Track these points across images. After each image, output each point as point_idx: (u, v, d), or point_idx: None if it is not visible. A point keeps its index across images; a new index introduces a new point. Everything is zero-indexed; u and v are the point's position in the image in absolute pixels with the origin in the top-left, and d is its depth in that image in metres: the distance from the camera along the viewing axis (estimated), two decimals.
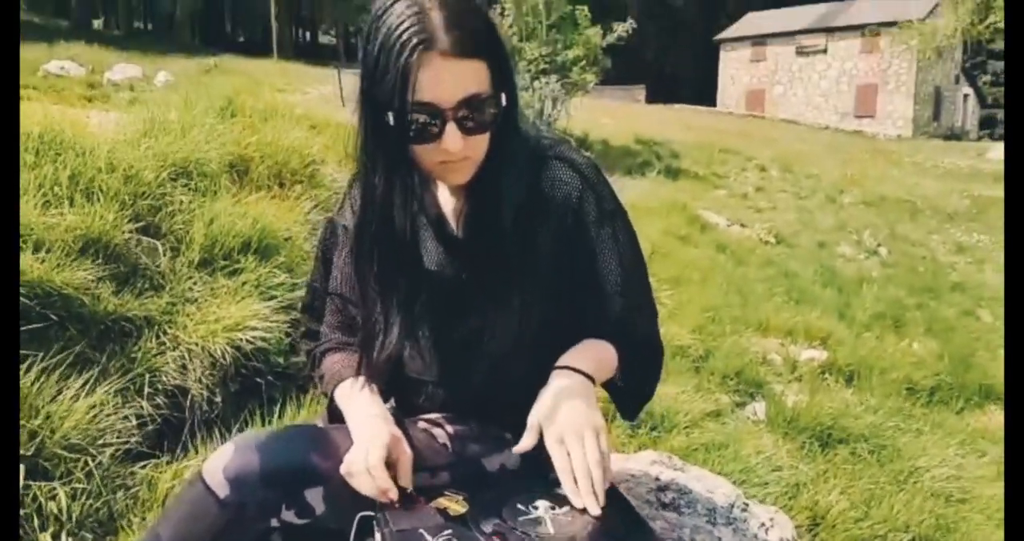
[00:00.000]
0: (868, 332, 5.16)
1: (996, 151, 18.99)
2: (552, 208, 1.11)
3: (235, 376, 2.47)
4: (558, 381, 1.06)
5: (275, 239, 2.97)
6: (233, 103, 4.18)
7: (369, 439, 1.01)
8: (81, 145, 2.98)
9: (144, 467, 1.69)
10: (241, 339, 2.44)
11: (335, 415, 1.18)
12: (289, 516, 1.02)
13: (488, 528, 0.90)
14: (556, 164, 1.11)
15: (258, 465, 0.99)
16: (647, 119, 15.46)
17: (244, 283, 2.70)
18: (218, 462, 1.00)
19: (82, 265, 2.33)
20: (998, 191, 10.79)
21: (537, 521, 0.92)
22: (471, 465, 1.12)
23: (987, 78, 33.70)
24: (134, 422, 1.95)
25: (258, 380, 2.46)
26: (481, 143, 1.00)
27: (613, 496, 1.02)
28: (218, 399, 2.38)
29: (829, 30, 33.14)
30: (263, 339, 2.50)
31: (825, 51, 33.22)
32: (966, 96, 34.45)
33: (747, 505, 1.28)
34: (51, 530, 1.35)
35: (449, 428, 1.16)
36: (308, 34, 39.36)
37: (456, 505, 0.97)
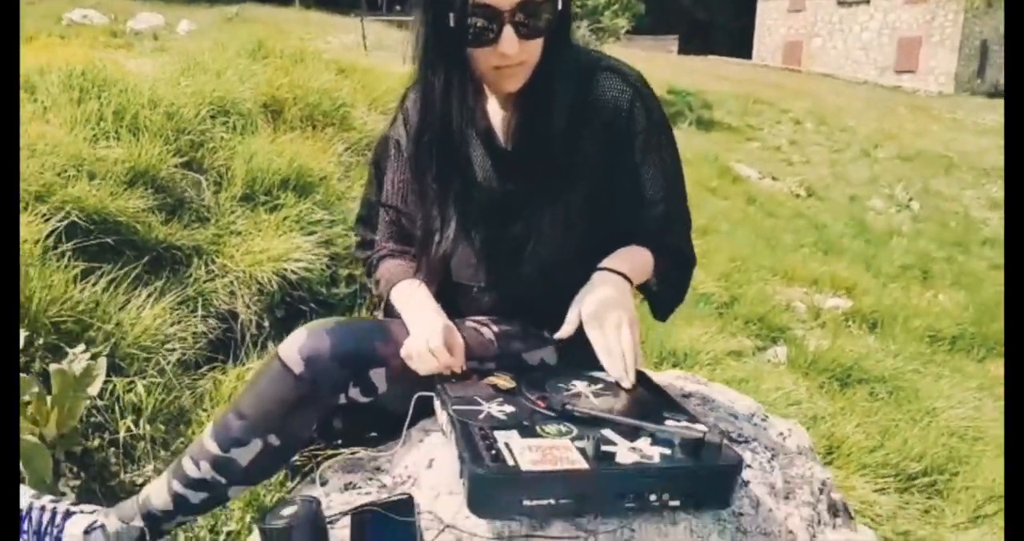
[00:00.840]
0: (894, 283, 5.19)
1: None
2: (601, 118, 1.18)
3: (280, 303, 2.61)
4: (598, 280, 1.16)
5: (312, 177, 3.09)
6: (264, 46, 4.26)
7: (429, 325, 1.12)
8: (123, 83, 3.11)
9: (209, 370, 1.84)
10: (285, 269, 2.58)
11: (391, 316, 1.30)
12: (355, 393, 1.14)
13: (534, 396, 1.01)
14: (607, 74, 1.19)
15: (329, 346, 1.11)
16: (679, 69, 15.19)
17: (285, 218, 2.82)
18: (293, 343, 1.12)
19: (132, 195, 2.47)
20: None
21: (577, 394, 1.04)
22: (514, 358, 1.23)
23: None
24: (192, 335, 2.09)
25: (302, 308, 2.60)
26: (535, 48, 1.08)
27: (645, 379, 1.14)
28: (266, 324, 2.54)
29: None
30: (306, 270, 2.63)
31: (868, 1, 32.09)
32: None
33: (767, 416, 1.38)
34: (130, 418, 1.50)
35: (495, 327, 1.27)
36: None
37: (505, 382, 1.09)
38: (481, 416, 0.96)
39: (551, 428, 0.94)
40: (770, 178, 7.87)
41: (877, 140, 10.69)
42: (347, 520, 0.93)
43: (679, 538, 0.88)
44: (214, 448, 1.14)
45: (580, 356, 1.27)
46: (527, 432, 0.92)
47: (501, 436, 0.90)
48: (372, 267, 1.36)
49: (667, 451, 0.89)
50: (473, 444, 0.88)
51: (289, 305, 2.60)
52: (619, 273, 1.17)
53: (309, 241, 2.70)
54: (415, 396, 1.14)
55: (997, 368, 4.30)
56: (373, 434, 1.30)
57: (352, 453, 1.22)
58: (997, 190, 7.75)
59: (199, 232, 2.61)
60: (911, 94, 25.21)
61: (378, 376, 1.15)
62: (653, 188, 1.23)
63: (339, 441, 1.32)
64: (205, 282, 2.43)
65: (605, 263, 1.18)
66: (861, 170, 8.71)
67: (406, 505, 0.94)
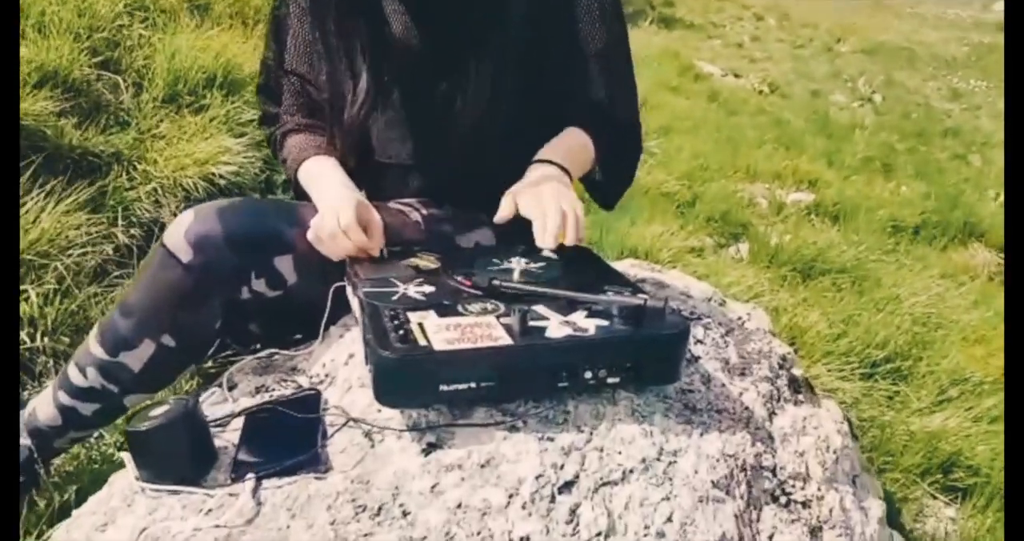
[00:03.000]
0: (857, 176, 5.12)
1: (1000, 4, 18.26)
2: None
3: None
4: (535, 170, 1.02)
5: (241, 74, 2.84)
6: None
7: (339, 201, 0.98)
8: None
9: (119, 278, 1.69)
10: (213, 174, 2.38)
11: (301, 198, 1.15)
12: (260, 286, 1.01)
13: (459, 275, 0.88)
14: None
15: (221, 229, 0.96)
16: None
17: (212, 119, 2.61)
18: (178, 228, 0.97)
19: (39, 97, 2.24)
20: (999, 38, 10.40)
21: (508, 271, 0.91)
22: (446, 241, 1.10)
23: None
24: (113, 248, 1.93)
25: None
26: None
27: (589, 256, 1.01)
28: None
29: None
30: (237, 174, 2.44)
31: None
32: None
33: (724, 301, 1.28)
34: (26, 330, 1.35)
35: (423, 210, 1.13)
36: None
37: (428, 262, 0.95)
38: (395, 297, 0.83)
39: (475, 307, 0.81)
40: (732, 75, 7.66)
41: (839, 34, 10.44)
42: (240, 422, 0.81)
43: (619, 418, 0.78)
44: (100, 352, 1.00)
45: (523, 239, 1.15)
46: (447, 311, 0.80)
47: (415, 317, 0.78)
48: (277, 144, 1.20)
49: (604, 323, 0.77)
50: (380, 326, 0.75)
51: None
52: (557, 164, 1.02)
53: (239, 143, 2.49)
54: (333, 287, 1.01)
55: (959, 256, 4.30)
56: (297, 336, 1.17)
57: (265, 355, 1.09)
58: (958, 80, 7.65)
59: (118, 137, 2.39)
60: None
61: (284, 264, 1.01)
62: (592, 52, 1.08)
63: (258, 346, 1.20)
64: (127, 191, 2.24)
65: (542, 154, 1.04)
66: (823, 65, 8.51)
67: (310, 402, 0.82)
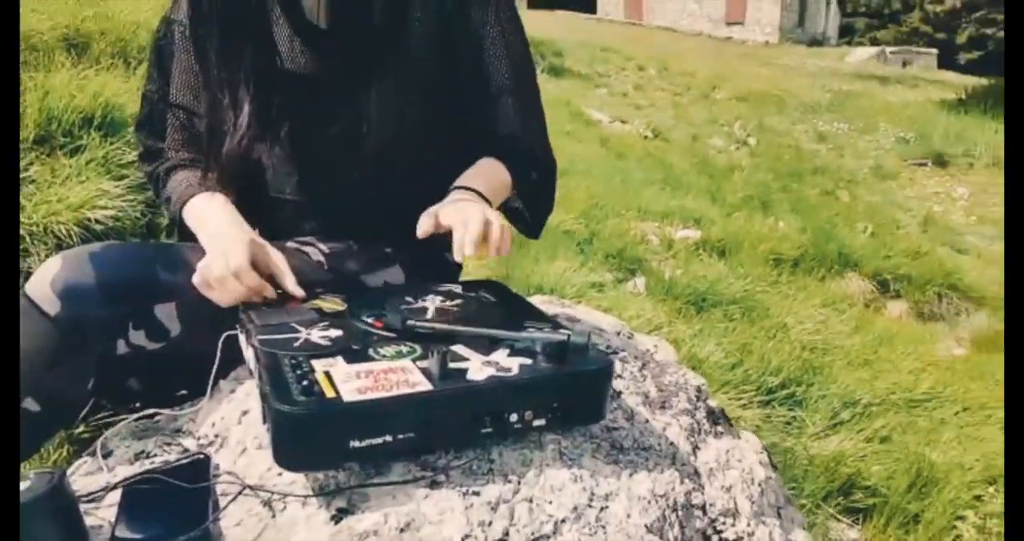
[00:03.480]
0: (738, 212, 5.38)
1: (854, 55, 20.11)
2: None
3: None
4: (454, 195, 0.97)
5: (121, 114, 2.67)
6: None
7: (230, 240, 0.89)
8: None
9: None
10: (90, 219, 2.20)
11: (186, 240, 1.05)
12: (139, 338, 0.91)
13: (369, 317, 0.82)
14: None
15: (93, 276, 0.86)
16: (530, 22, 15.08)
17: (89, 161, 2.43)
18: (43, 275, 0.86)
19: None
20: (856, 85, 11.38)
21: (422, 310, 0.85)
22: (351, 282, 1.03)
23: None
24: None
25: None
26: None
27: (505, 292, 0.97)
28: None
29: None
30: (116, 219, 2.27)
31: None
32: (828, 3, 35.63)
33: (632, 334, 1.27)
34: None
35: (323, 246, 1.06)
36: None
37: (332, 304, 0.88)
38: (296, 344, 0.76)
39: (388, 350, 0.75)
40: (619, 121, 7.95)
41: (715, 83, 11.10)
42: (117, 495, 0.71)
43: (547, 463, 0.73)
44: None
45: (435, 275, 1.09)
46: (356, 357, 0.73)
47: (320, 365, 0.71)
48: (160, 182, 1.09)
49: (528, 361, 0.73)
50: (280, 378, 0.68)
51: None
52: (476, 191, 0.98)
53: (119, 186, 2.32)
54: (223, 336, 0.92)
55: (836, 285, 4.56)
56: (182, 391, 1.06)
57: (145, 415, 0.98)
58: (823, 124, 8.26)
59: None
60: (741, 44, 26.62)
61: (166, 314, 0.91)
62: (498, 74, 1.05)
63: (137, 405, 1.08)
64: None
65: (459, 182, 1.00)
66: (701, 111, 8.98)
67: (198, 468, 0.73)
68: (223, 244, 0.89)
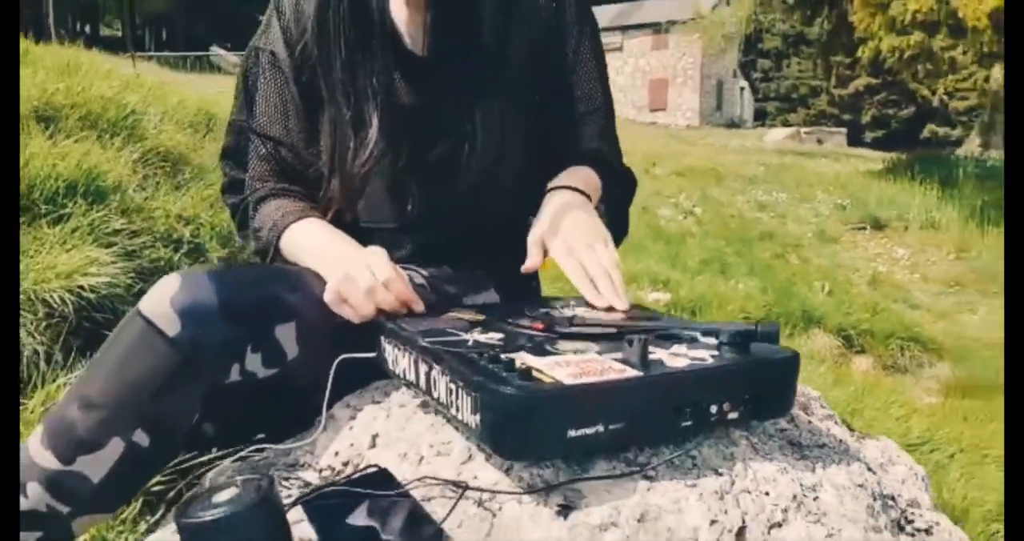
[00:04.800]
0: (700, 275, 5.51)
1: (771, 135, 21.47)
2: (527, 14, 1.01)
3: (78, 330, 2.12)
4: (554, 198, 0.97)
5: (105, 182, 2.59)
6: (30, 53, 3.59)
7: (366, 256, 0.86)
8: None
9: None
10: (81, 287, 2.09)
11: None
12: (254, 363, 0.84)
13: (525, 321, 0.78)
14: None
15: (215, 295, 0.80)
16: None
17: (75, 230, 2.33)
18: (162, 295, 0.80)
19: None
20: (784, 159, 12.05)
21: (573, 316, 0.82)
22: (452, 303, 0.99)
23: (758, 74, 37.56)
24: None
25: (106, 333, 2.11)
26: None
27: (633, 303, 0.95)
28: (58, 356, 2.03)
29: (624, 28, 35.27)
30: (109, 285, 2.16)
31: (621, 49, 35.32)
32: (742, 89, 38.11)
33: None
34: None
35: (423, 271, 1.03)
36: (89, 26, 35.76)
37: (471, 315, 0.84)
38: (469, 344, 0.72)
39: (567, 347, 0.71)
40: None
41: (652, 160, 11.57)
42: (299, 512, 0.64)
43: (748, 457, 0.70)
44: (49, 461, 0.78)
45: (523, 297, 1.07)
46: (539, 352, 0.69)
47: (511, 357, 0.67)
48: (249, 212, 1.05)
49: (715, 353, 0.71)
50: (485, 368, 0.64)
51: (89, 332, 2.11)
52: (575, 189, 0.98)
53: (108, 253, 2.22)
54: (338, 359, 0.86)
55: (803, 342, 4.67)
56: (260, 435, 0.98)
57: (254, 450, 0.90)
58: (762, 194, 8.66)
59: None
60: (666, 128, 28.04)
61: (286, 335, 0.85)
62: (589, 96, 1.07)
63: (214, 450, 1.00)
64: None
65: (555, 182, 1.00)
66: (646, 185, 9.32)
67: (380, 478, 0.67)
68: (362, 257, 0.86)
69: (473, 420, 0.62)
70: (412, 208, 1.02)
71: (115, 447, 0.78)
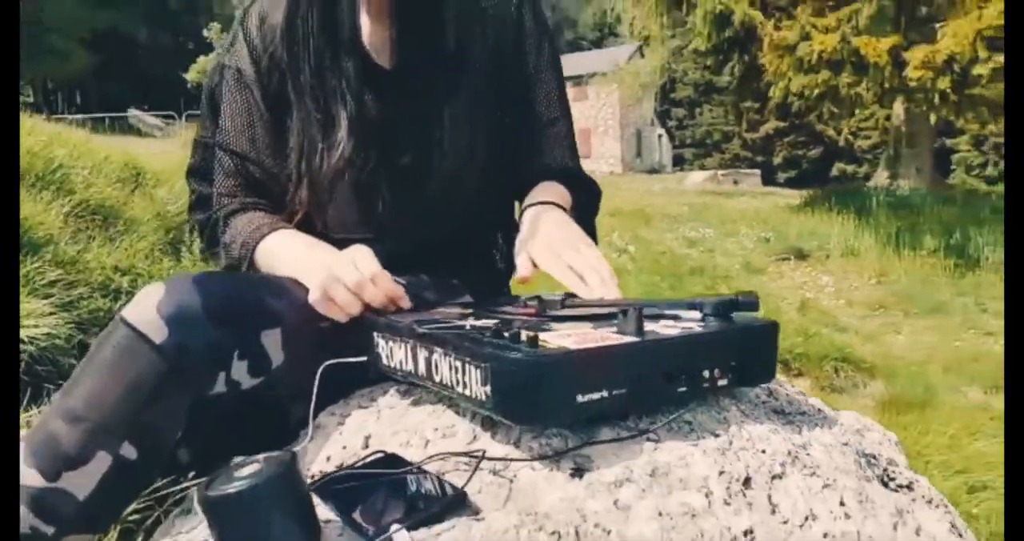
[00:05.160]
0: None
1: (690, 178, 22.37)
2: (488, 26, 1.05)
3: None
4: (532, 212, 1.00)
5: (38, 233, 2.50)
6: None
7: (350, 255, 0.86)
8: None
9: None
10: (23, 339, 2.00)
11: None
12: (240, 371, 0.83)
13: (515, 307, 0.81)
14: None
15: (200, 301, 0.80)
16: None
17: None
18: (146, 302, 0.79)
19: None
20: (706, 199, 12.53)
21: (564, 299, 0.84)
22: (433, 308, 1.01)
23: (673, 122, 39.17)
24: None
25: (47, 385, 2.02)
26: None
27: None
28: None
29: None
30: (49, 336, 2.07)
31: None
32: (660, 136, 39.63)
33: None
34: None
35: (400, 279, 1.04)
36: None
37: (460, 309, 0.86)
38: (467, 328, 0.73)
39: (562, 326, 0.74)
40: None
41: None
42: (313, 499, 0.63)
43: (740, 421, 0.73)
44: (33, 478, 0.75)
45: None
46: (538, 330, 0.72)
47: (515, 331, 0.69)
48: (219, 226, 1.04)
49: (701, 323, 0.74)
50: (492, 341, 0.65)
51: (28, 385, 2.01)
52: (550, 202, 1.02)
53: (46, 304, 2.14)
54: (324, 364, 0.86)
55: None
56: (236, 459, 0.96)
57: (238, 464, 0.88)
58: (689, 231, 8.96)
59: None
60: (591, 175, 28.64)
61: (271, 341, 0.85)
62: (550, 105, 1.12)
63: (190, 475, 0.98)
64: None
65: (530, 199, 1.03)
66: None
67: (390, 461, 0.67)
68: (342, 257, 0.87)
69: (483, 392, 0.64)
70: (383, 214, 1.03)
71: (102, 461, 0.76)
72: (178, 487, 0.97)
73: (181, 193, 4.40)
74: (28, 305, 2.12)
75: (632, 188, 17.23)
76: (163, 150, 7.69)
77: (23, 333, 1.99)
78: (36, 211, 2.76)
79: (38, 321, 2.08)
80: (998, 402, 4.38)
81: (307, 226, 1.04)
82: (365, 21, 1.02)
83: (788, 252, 7.90)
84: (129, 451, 0.78)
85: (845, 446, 0.75)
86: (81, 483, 0.75)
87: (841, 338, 5.54)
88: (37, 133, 3.82)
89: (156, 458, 0.81)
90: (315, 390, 0.85)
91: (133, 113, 21.96)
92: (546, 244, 0.94)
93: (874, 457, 0.79)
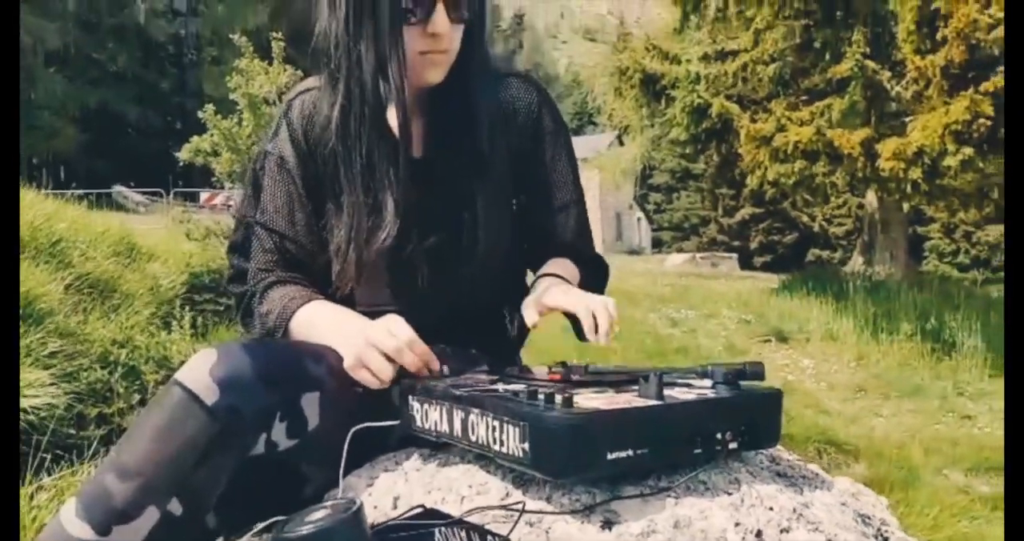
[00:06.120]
0: None
1: (669, 260, 22.79)
2: (512, 122, 1.16)
3: None
4: (543, 282, 1.09)
5: (41, 305, 2.54)
6: None
7: (384, 323, 0.94)
8: None
9: None
10: (25, 409, 2.02)
11: None
12: (279, 433, 0.89)
13: (540, 373, 0.88)
14: (515, 81, 1.18)
15: (250, 364, 0.86)
16: None
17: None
18: (200, 366, 0.85)
19: None
20: (686, 282, 12.75)
21: (587, 366, 0.92)
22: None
23: (651, 206, 40.15)
24: None
25: (44, 456, 2.03)
26: (459, 36, 1.04)
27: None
28: None
29: None
30: (49, 406, 2.09)
31: None
32: (639, 220, 40.54)
33: None
34: None
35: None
36: None
37: (484, 375, 0.93)
38: (500, 392, 0.80)
39: (585, 391, 0.81)
40: None
41: None
42: None
43: (749, 481, 0.80)
44: (86, 532, 0.79)
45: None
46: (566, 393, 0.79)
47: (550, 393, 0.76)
48: (257, 298, 1.11)
49: (713, 390, 0.82)
50: (528, 402, 0.72)
51: (28, 456, 2.01)
52: (560, 277, 1.11)
53: (48, 374, 2.16)
54: (355, 427, 0.92)
55: None
56: (259, 525, 1.01)
57: (270, 524, 0.92)
58: (672, 311, 9.08)
59: None
60: None
61: (311, 404, 0.92)
62: (564, 192, 1.22)
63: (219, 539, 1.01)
64: None
65: (544, 271, 1.13)
66: None
67: (431, 514, 0.73)
68: (377, 325, 0.94)
69: (520, 448, 0.70)
70: (419, 289, 1.11)
71: (150, 516, 0.81)
72: None
73: (174, 268, 4.47)
74: (29, 375, 2.14)
75: (615, 267, 17.49)
76: (151, 226, 7.79)
77: (25, 402, 2.01)
78: (39, 283, 2.81)
79: (39, 391, 2.10)
80: (979, 484, 4.42)
81: (343, 301, 1.12)
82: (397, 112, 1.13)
83: (769, 334, 8.02)
84: (176, 507, 0.82)
85: (843, 506, 0.82)
86: (129, 537, 0.79)
87: (824, 420, 5.58)
88: (38, 207, 3.90)
89: (199, 514, 0.86)
90: (345, 448, 0.91)
91: (117, 189, 22.14)
92: (554, 292, 1.02)
93: (869, 517, 0.86)
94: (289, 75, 7.27)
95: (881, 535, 0.84)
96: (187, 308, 3.76)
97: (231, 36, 8.08)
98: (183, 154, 8.24)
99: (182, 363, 0.91)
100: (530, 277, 1.27)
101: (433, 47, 1.01)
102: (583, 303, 0.98)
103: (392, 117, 1.05)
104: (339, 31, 1.01)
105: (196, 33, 32.56)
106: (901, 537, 0.86)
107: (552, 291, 1.04)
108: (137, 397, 2.46)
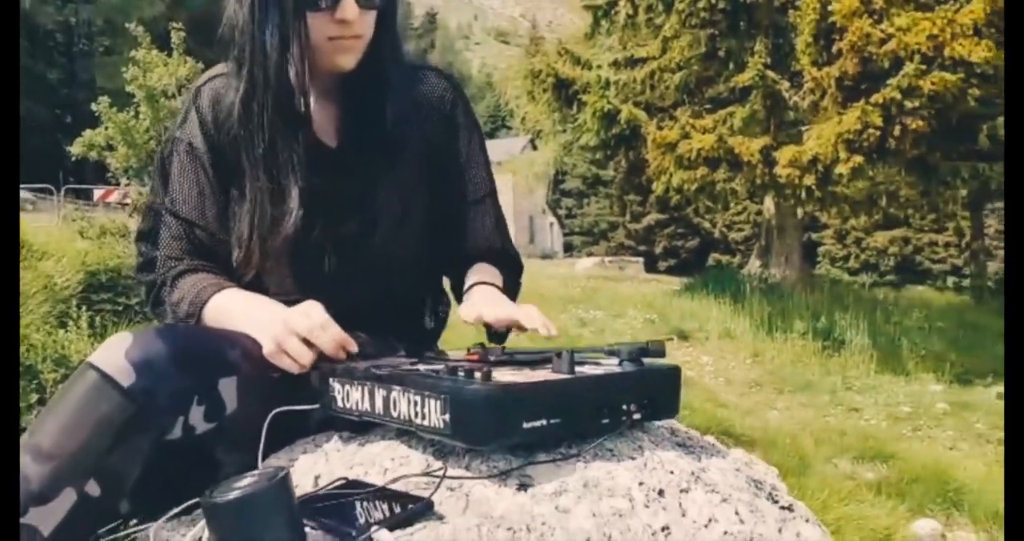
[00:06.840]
0: None
1: (580, 264, 23.25)
2: (425, 114, 1.19)
3: None
4: (475, 290, 1.12)
5: None
6: None
7: (300, 307, 0.95)
8: None
9: None
10: None
11: None
12: (196, 416, 0.90)
13: (458, 355, 0.92)
14: (430, 74, 1.21)
15: (167, 348, 0.87)
16: None
17: None
18: (115, 349, 0.85)
19: None
20: (595, 284, 13.06)
21: (504, 347, 0.96)
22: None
23: (563, 211, 40.81)
24: None
25: None
26: (371, 22, 1.05)
27: None
28: None
29: None
30: None
31: None
32: (551, 224, 41.13)
33: None
34: None
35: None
36: None
37: (406, 359, 0.96)
38: (420, 371, 0.84)
39: (503, 369, 0.86)
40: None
41: None
42: None
43: (652, 448, 0.86)
44: None
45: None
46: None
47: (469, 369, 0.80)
48: (167, 287, 1.10)
49: (620, 366, 0.88)
50: (449, 377, 0.77)
51: None
52: (488, 283, 1.15)
53: None
54: (273, 412, 0.94)
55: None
56: (173, 510, 1.00)
57: (185, 508, 0.92)
58: (582, 312, 9.32)
59: None
60: None
61: (228, 388, 0.93)
62: (478, 186, 1.26)
63: (132, 522, 1.00)
64: None
65: (474, 279, 1.16)
66: None
67: (353, 485, 0.75)
68: (293, 310, 0.95)
69: (442, 420, 0.74)
70: (326, 276, 1.13)
71: (67, 498, 0.80)
72: (120, 534, 0.98)
73: (68, 267, 4.26)
74: None
75: (529, 271, 17.71)
76: (41, 224, 7.36)
77: None
78: None
79: None
80: (865, 471, 4.74)
81: (252, 288, 1.12)
82: (312, 102, 1.15)
83: (672, 333, 8.34)
84: (93, 488, 0.82)
85: (737, 471, 0.90)
86: (46, 519, 0.79)
87: (722, 413, 5.85)
88: None
89: (117, 496, 0.85)
90: (263, 433, 0.92)
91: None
92: (487, 301, 1.06)
93: (760, 482, 0.94)
94: (190, 67, 7.00)
95: (772, 498, 0.93)
96: (84, 308, 3.59)
97: (127, 25, 7.71)
98: (75, 148, 7.79)
99: (80, 362, 0.90)
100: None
101: (343, 33, 1.02)
102: (522, 313, 1.02)
103: (300, 104, 1.07)
104: (244, 17, 1.01)
105: (88, 21, 30.81)
106: (790, 500, 0.95)
107: (491, 307, 1.06)
108: (35, 396, 2.34)
